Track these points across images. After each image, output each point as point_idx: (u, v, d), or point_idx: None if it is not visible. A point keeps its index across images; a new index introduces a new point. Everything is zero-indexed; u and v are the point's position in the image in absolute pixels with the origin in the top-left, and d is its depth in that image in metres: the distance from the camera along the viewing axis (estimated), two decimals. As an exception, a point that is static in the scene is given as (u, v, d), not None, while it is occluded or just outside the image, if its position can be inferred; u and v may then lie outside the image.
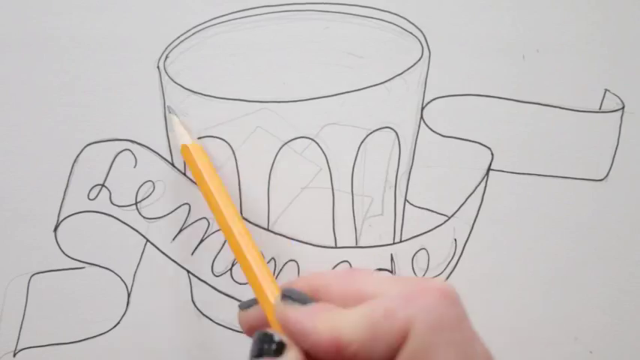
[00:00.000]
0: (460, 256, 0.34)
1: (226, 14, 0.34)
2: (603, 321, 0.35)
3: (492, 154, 0.34)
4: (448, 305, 0.23)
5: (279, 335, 0.25)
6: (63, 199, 0.34)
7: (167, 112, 0.33)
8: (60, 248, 0.34)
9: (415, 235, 0.34)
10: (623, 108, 0.34)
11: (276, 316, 0.26)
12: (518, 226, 0.35)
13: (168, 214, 0.34)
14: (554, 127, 0.35)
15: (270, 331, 0.25)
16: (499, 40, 0.34)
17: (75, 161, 0.34)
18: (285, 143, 0.34)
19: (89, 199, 0.34)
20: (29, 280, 0.33)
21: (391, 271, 0.34)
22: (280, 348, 0.24)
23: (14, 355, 0.33)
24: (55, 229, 0.34)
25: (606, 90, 0.34)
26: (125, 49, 0.34)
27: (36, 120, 0.34)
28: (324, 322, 0.24)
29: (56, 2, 0.34)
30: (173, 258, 0.34)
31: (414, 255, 0.34)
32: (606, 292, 0.35)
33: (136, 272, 0.34)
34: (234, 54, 0.34)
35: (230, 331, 0.33)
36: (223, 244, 0.34)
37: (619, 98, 0.34)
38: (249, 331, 0.28)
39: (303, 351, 0.24)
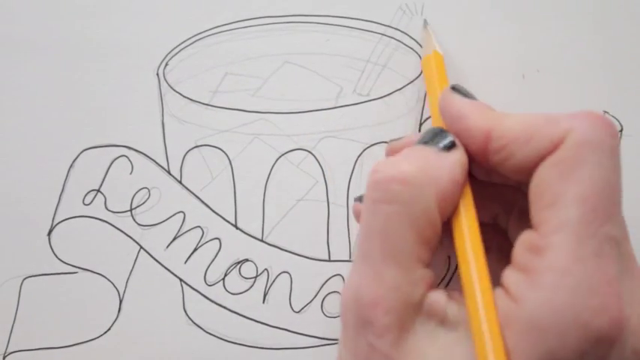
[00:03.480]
0: (454, 272, 0.34)
1: (227, 23, 0.34)
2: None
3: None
4: (609, 134, 0.23)
5: (451, 135, 0.25)
6: (58, 203, 0.34)
7: (424, 25, 0.34)
8: (53, 252, 0.33)
9: (409, 251, 0.34)
10: (621, 130, 0.34)
11: (440, 98, 0.27)
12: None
13: (162, 221, 0.34)
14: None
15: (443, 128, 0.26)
16: (500, 59, 0.34)
17: (71, 166, 0.34)
18: (282, 154, 0.34)
19: (84, 204, 0.34)
20: (21, 283, 0.33)
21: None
22: (451, 145, 0.25)
23: (4, 357, 0.33)
24: (49, 233, 0.33)
25: (605, 112, 0.34)
26: (125, 56, 0.34)
27: (33, 124, 0.34)
28: (483, 113, 0.25)
29: (56, 8, 0.34)
30: (166, 266, 0.34)
31: (408, 271, 0.34)
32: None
33: (128, 279, 0.33)
34: (233, 63, 0.34)
35: (221, 341, 0.33)
36: (217, 254, 0.34)
37: (617, 120, 0.34)
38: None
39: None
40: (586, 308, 0.21)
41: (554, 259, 0.22)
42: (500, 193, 0.28)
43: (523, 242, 0.23)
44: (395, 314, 0.22)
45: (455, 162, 0.25)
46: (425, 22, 0.34)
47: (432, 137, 0.25)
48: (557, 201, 0.22)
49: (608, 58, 0.34)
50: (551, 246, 0.22)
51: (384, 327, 0.22)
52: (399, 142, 0.29)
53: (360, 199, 0.29)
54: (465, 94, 0.27)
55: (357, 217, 0.29)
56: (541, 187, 0.23)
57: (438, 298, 0.23)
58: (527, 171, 0.24)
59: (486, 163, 0.25)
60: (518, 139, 0.24)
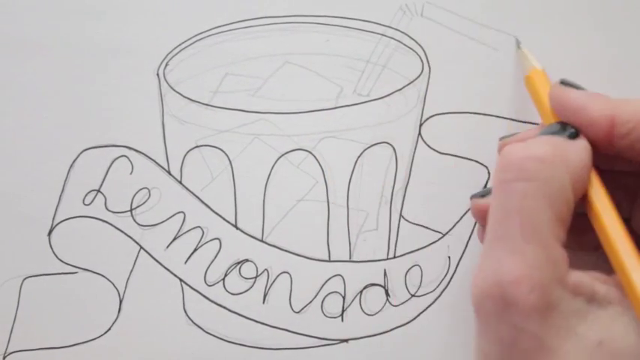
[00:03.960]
0: (454, 274, 0.34)
1: (227, 24, 0.34)
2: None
3: (489, 173, 0.34)
4: None
5: (572, 127, 0.26)
6: (58, 203, 0.34)
7: (517, 46, 0.34)
8: (53, 252, 0.33)
9: (409, 251, 0.34)
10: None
11: (553, 94, 0.27)
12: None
13: (162, 221, 0.34)
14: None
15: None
16: (499, 58, 0.34)
17: (71, 166, 0.34)
18: (283, 155, 0.34)
19: (84, 204, 0.34)
20: (22, 283, 0.33)
21: (384, 287, 0.33)
22: (576, 134, 0.26)
23: (4, 357, 0.33)
24: (49, 233, 0.34)
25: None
26: (125, 56, 0.34)
27: (33, 124, 0.34)
28: (603, 101, 0.26)
29: (56, 8, 0.34)
30: (166, 266, 0.34)
31: (407, 271, 0.34)
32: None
33: (128, 279, 0.34)
34: (233, 63, 0.34)
35: (221, 341, 0.33)
36: (217, 254, 0.34)
37: (618, 121, 0.34)
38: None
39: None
40: None
41: None
42: (622, 181, 0.28)
43: None
44: (540, 291, 0.22)
45: (582, 147, 0.25)
46: (517, 41, 0.34)
47: (555, 129, 0.26)
48: None
49: (608, 58, 0.34)
50: None
51: (529, 305, 0.21)
52: (514, 137, 0.29)
53: (479, 195, 0.29)
54: (576, 86, 0.27)
55: (478, 215, 0.29)
56: None
57: (581, 276, 0.23)
58: None
59: (611, 150, 0.25)
60: None
